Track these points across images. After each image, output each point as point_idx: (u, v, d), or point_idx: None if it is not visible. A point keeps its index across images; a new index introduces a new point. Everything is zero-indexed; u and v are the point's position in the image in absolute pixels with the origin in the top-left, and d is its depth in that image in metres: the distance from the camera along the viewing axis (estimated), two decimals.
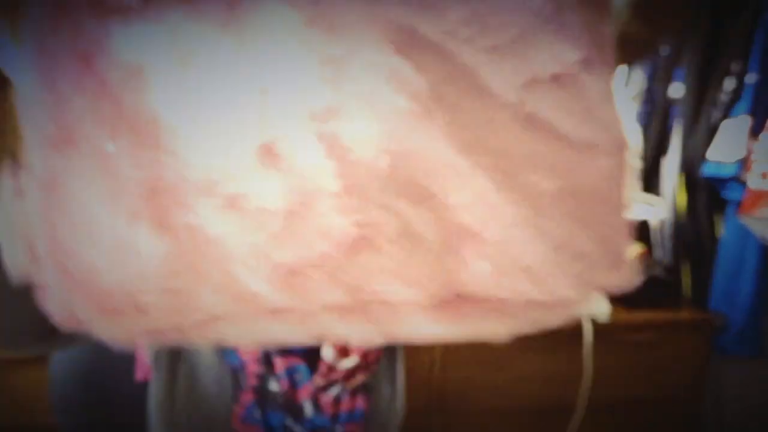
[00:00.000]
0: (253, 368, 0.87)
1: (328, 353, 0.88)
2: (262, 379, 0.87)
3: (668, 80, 2.13)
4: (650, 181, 2.20)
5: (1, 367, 1.62)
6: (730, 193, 1.90)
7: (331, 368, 0.88)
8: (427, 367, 1.78)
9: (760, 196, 1.81)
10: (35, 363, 1.58)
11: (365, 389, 0.91)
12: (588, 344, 1.80)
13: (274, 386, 0.87)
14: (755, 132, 1.85)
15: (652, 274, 1.92)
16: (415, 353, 1.74)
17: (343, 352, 0.88)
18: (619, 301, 1.93)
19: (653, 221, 2.10)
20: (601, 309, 1.84)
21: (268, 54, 0.50)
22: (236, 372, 0.88)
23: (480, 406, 1.85)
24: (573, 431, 1.85)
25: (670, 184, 2.11)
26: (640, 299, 1.91)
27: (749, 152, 1.85)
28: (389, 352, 0.98)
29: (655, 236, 2.10)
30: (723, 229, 1.99)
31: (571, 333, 1.82)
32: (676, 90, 2.10)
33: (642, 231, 2.12)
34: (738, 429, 2.05)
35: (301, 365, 0.88)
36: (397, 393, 0.99)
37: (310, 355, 0.89)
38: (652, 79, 2.20)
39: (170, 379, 0.89)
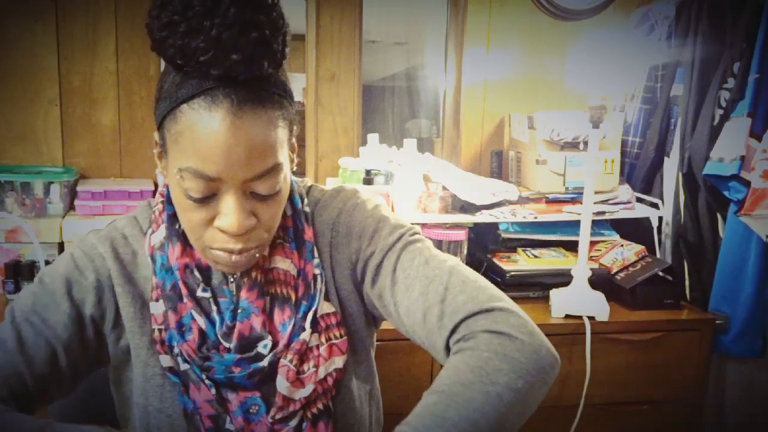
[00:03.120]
0: (207, 410, 0.85)
1: (282, 385, 0.85)
2: (217, 421, 0.85)
3: (669, 80, 2.12)
4: (651, 181, 2.19)
5: None
6: (732, 193, 1.88)
7: (288, 400, 0.85)
8: (426, 367, 1.77)
9: (762, 196, 1.80)
10: None
11: (327, 414, 0.87)
12: (588, 344, 1.80)
13: (229, 426, 0.85)
14: (756, 131, 1.84)
15: (653, 273, 1.91)
16: (414, 353, 1.73)
17: (298, 382, 0.85)
18: (619, 301, 1.93)
19: (654, 221, 2.09)
20: (601, 309, 1.83)
21: None
22: (191, 415, 0.85)
23: None
24: (573, 431, 1.84)
25: (670, 184, 2.10)
26: (640, 299, 1.90)
27: (751, 151, 1.84)
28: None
29: (656, 236, 2.09)
30: (724, 229, 1.98)
31: (571, 333, 1.81)
32: (677, 90, 2.09)
33: (643, 230, 2.11)
34: (739, 429, 2.04)
35: (256, 396, 0.86)
36: (372, 410, 0.96)
37: (265, 387, 0.86)
38: (652, 79, 2.19)
39: None
